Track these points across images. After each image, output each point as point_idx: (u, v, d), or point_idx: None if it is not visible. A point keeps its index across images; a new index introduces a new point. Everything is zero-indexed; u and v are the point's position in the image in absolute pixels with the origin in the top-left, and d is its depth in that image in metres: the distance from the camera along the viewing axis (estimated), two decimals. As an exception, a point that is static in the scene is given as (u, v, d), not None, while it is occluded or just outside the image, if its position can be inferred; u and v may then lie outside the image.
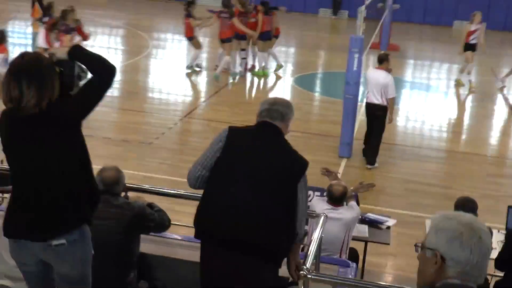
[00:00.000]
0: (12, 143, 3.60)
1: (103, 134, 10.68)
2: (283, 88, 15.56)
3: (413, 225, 8.25)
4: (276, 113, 4.05)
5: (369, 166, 10.32)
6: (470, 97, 15.78)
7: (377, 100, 9.98)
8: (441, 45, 23.70)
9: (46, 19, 13.89)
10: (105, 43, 20.15)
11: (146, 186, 5.36)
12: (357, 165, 10.50)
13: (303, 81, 16.01)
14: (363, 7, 10.71)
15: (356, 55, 10.31)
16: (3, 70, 11.14)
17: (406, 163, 10.80)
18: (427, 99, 15.58)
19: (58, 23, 12.95)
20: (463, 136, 12.75)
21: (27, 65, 3.51)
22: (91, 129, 10.85)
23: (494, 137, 13.02)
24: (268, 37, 15.45)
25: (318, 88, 16.12)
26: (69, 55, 3.65)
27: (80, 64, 3.68)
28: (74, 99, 3.61)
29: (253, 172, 3.89)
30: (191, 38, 15.62)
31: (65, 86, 3.62)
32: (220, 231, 3.87)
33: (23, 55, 3.60)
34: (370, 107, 10.22)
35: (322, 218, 4.45)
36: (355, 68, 10.35)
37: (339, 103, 13.78)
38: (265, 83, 15.53)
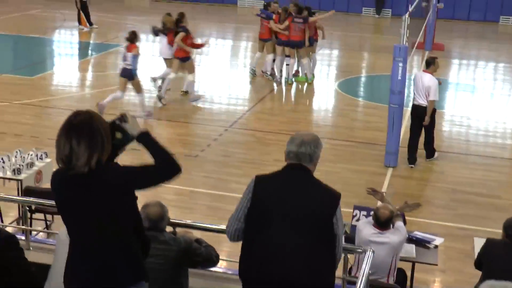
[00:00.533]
0: (65, 203, 3.64)
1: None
2: (327, 94, 15.52)
3: (461, 239, 8.18)
4: (304, 155, 4.03)
5: (430, 159, 10.89)
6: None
7: (423, 102, 10.41)
8: (487, 43, 23.31)
9: (180, 29, 14.00)
10: (148, 50, 20.33)
11: (190, 222, 5.37)
12: (403, 174, 10.41)
13: (347, 86, 15.93)
14: (407, 15, 10.58)
15: (400, 64, 10.23)
16: (133, 67, 12.16)
17: (452, 171, 10.66)
18: (473, 102, 15.34)
19: (176, 29, 13.68)
20: (507, 141, 12.48)
21: (79, 123, 3.53)
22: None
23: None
24: (311, 43, 15.44)
25: (362, 92, 16.02)
26: (137, 139, 3.68)
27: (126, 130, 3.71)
28: (131, 170, 3.60)
29: (288, 214, 3.93)
30: (268, 39, 15.54)
31: (114, 149, 3.67)
32: (265, 279, 3.90)
33: (76, 114, 3.60)
34: (417, 108, 10.53)
35: (369, 252, 4.43)
36: (399, 78, 10.27)
37: (384, 108, 13.70)
38: (309, 89, 15.48)
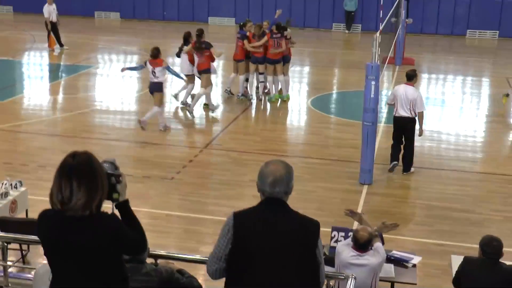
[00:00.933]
0: (57, 244, 3.61)
1: (124, 171, 10.72)
2: (300, 112, 15.60)
3: (439, 255, 8.25)
4: (279, 194, 3.94)
5: (406, 173, 11.15)
6: (486, 112, 15.73)
7: (406, 113, 10.88)
8: (454, 56, 23.66)
9: (185, 48, 14.74)
10: (119, 71, 20.24)
11: (175, 253, 5.34)
12: (378, 191, 10.49)
13: (320, 103, 16.04)
14: (378, 34, 10.72)
15: (373, 82, 10.34)
16: (163, 78, 13.07)
17: (427, 186, 10.78)
18: (443, 116, 15.53)
19: (197, 44, 14.23)
20: (483, 155, 12.66)
21: (78, 165, 3.53)
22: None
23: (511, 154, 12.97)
24: (286, 60, 15.60)
25: (335, 109, 16.13)
26: (116, 206, 3.73)
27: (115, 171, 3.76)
28: (123, 228, 3.67)
29: (271, 252, 3.87)
30: (241, 60, 15.57)
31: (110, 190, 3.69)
32: None
33: (74, 155, 3.59)
34: (400, 120, 11.02)
35: (350, 280, 4.45)
36: (372, 95, 10.38)
37: (356, 125, 13.83)
38: (282, 107, 15.56)
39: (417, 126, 11.19)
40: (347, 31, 28.63)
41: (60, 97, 16.82)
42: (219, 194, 10.15)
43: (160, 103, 13.20)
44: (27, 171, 10.75)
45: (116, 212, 3.77)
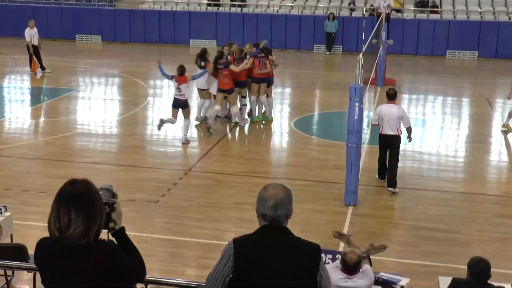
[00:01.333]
0: (54, 273, 3.57)
1: (109, 194, 10.68)
2: (283, 133, 15.64)
3: (426, 276, 8.26)
4: (281, 217, 3.89)
5: (391, 189, 11.31)
6: (467, 132, 15.88)
7: (392, 131, 11.20)
8: (435, 77, 23.90)
9: (202, 63, 15.02)
10: (102, 94, 20.25)
11: (163, 278, 5.31)
12: (364, 213, 10.51)
13: (303, 124, 16.10)
14: (360, 55, 10.81)
15: (357, 104, 10.40)
16: (187, 95, 13.94)
17: (411, 207, 10.81)
18: (424, 136, 15.65)
19: (218, 61, 14.69)
20: (465, 175, 12.74)
21: (77, 193, 3.50)
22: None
23: (495, 175, 13.05)
24: (269, 82, 15.67)
25: (317, 130, 16.19)
26: (113, 234, 3.72)
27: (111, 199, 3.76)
28: (122, 257, 3.65)
29: (272, 278, 3.79)
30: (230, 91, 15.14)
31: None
32: None
33: (72, 183, 3.56)
34: (386, 138, 11.32)
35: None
36: (356, 117, 10.43)
37: (339, 146, 13.92)
38: (265, 129, 15.59)
39: (402, 142, 11.66)
40: (328, 52, 28.85)
41: (42, 120, 16.73)
42: (204, 217, 10.12)
43: (188, 116, 14.09)
44: (11, 195, 10.65)
45: (113, 239, 3.75)
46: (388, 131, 11.20)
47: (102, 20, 30.89)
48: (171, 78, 13.90)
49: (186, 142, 13.99)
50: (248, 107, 15.85)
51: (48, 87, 20.60)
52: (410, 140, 11.76)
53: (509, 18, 28.76)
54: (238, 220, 9.99)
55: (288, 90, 21.15)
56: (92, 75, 22.86)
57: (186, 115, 14.02)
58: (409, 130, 11.45)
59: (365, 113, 16.37)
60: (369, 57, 17.05)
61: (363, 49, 12.71)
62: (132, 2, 32.46)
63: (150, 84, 21.25)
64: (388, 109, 11.22)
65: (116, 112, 17.38)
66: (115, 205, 3.73)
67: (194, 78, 14.35)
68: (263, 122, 15.80)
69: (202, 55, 15.22)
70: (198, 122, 15.49)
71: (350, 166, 10.60)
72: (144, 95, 19.46)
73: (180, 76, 13.72)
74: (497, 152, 14.47)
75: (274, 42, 27.55)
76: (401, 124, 11.25)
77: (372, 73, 18.81)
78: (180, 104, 13.89)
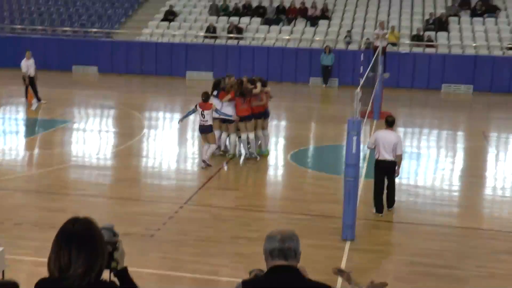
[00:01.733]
0: None
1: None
2: (279, 166, 15.56)
3: (424, 314, 8.14)
4: (289, 251, 3.83)
5: (390, 209, 11.87)
6: (461, 166, 15.85)
7: (389, 156, 11.54)
8: (430, 110, 23.99)
9: (215, 92, 15.19)
10: (97, 126, 20.20)
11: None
12: (361, 247, 10.39)
13: (299, 157, 16.05)
14: (358, 89, 10.81)
15: (355, 138, 10.35)
16: (211, 121, 14.33)
17: (409, 242, 10.70)
18: (419, 170, 15.61)
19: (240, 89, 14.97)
20: (462, 209, 12.66)
21: (79, 232, 3.40)
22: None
23: (492, 209, 12.97)
24: (266, 115, 15.61)
25: (314, 164, 16.12)
26: (116, 274, 3.62)
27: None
28: None
29: None
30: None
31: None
32: None
33: (74, 222, 3.46)
34: (383, 163, 11.63)
35: None
36: (354, 151, 10.38)
37: (336, 179, 13.90)
38: (261, 162, 15.51)
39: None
40: (324, 85, 28.94)
41: (37, 152, 16.63)
42: (200, 251, 9.98)
43: (214, 140, 14.56)
44: (3, 229, 10.50)
45: (115, 279, 3.65)
46: (386, 156, 11.52)
47: (99, 51, 31.00)
48: (194, 108, 14.42)
49: (206, 166, 14.41)
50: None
51: (43, 118, 20.56)
52: (397, 174, 11.81)
53: (503, 53, 28.95)
54: (234, 255, 9.87)
55: (284, 123, 21.14)
56: (87, 107, 22.84)
57: (212, 140, 14.48)
58: (399, 158, 11.64)
59: (361, 146, 16.34)
60: (366, 90, 17.09)
61: (361, 83, 12.70)
62: (129, 33, 32.59)
63: (145, 116, 21.22)
64: (385, 135, 11.60)
65: (112, 144, 17.32)
66: (117, 244, 3.64)
67: (184, 117, 15.13)
68: (258, 157, 15.58)
69: (217, 85, 15.31)
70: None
71: (348, 200, 10.50)
72: (140, 127, 19.41)
73: (205, 102, 14.23)
74: (492, 186, 14.41)
75: (271, 74, 27.66)
76: (396, 151, 11.57)
77: (369, 106, 18.87)
78: (205, 130, 14.41)
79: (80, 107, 22.79)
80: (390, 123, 11.80)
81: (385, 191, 11.86)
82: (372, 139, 11.86)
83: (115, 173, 14.48)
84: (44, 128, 19.16)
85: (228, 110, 14.95)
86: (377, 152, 11.58)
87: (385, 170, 11.65)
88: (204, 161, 14.48)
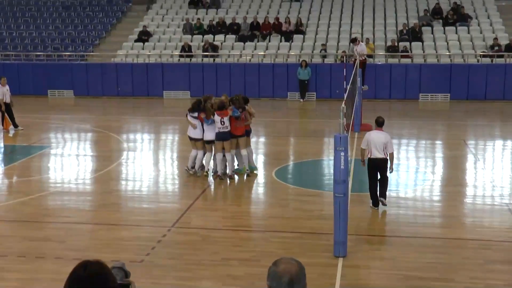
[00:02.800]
0: None
1: (90, 255, 10.31)
2: (265, 184, 15.38)
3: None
4: None
5: (381, 199, 12.71)
6: (443, 175, 15.82)
7: (381, 154, 12.49)
8: (409, 120, 24.05)
9: (195, 114, 15.12)
10: (76, 150, 19.89)
11: None
12: (354, 264, 10.25)
13: (284, 174, 15.94)
14: (343, 104, 10.71)
15: (342, 154, 10.24)
16: (229, 129, 14.83)
17: (403, 256, 10.58)
18: (409, 182, 15.56)
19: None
20: (452, 220, 12.56)
21: (90, 277, 3.24)
22: (76, 251, 10.55)
23: (481, 218, 12.89)
24: (247, 133, 15.51)
25: (299, 180, 15.96)
26: None
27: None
28: None
29: None
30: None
31: None
32: None
33: (84, 266, 3.29)
34: (375, 161, 12.55)
35: None
36: (342, 167, 10.26)
37: (323, 194, 13.83)
38: (247, 180, 15.36)
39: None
40: (301, 100, 28.92)
41: (16, 180, 16.28)
42: (192, 275, 9.78)
43: (229, 149, 14.90)
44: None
45: None
46: (377, 154, 12.43)
47: (74, 74, 30.72)
48: (213, 116, 14.65)
49: (226, 177, 15.01)
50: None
51: (21, 145, 20.19)
52: (391, 171, 12.67)
53: (478, 61, 29.18)
54: (227, 277, 9.68)
55: (266, 140, 20.99)
56: (65, 131, 22.53)
57: (228, 148, 14.87)
58: (391, 156, 12.53)
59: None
60: (346, 103, 17.01)
61: (345, 97, 12.67)
62: (104, 55, 32.35)
63: (124, 138, 20.97)
64: (377, 135, 12.55)
65: (92, 168, 17.03)
66: (130, 286, 3.46)
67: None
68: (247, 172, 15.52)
69: (198, 106, 15.12)
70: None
71: (338, 217, 10.36)
72: (119, 150, 19.16)
73: (221, 110, 14.60)
74: (480, 194, 14.36)
75: (248, 91, 27.59)
76: (388, 149, 12.49)
77: (351, 119, 18.82)
78: (224, 136, 14.76)
79: (57, 132, 22.45)
80: (380, 124, 12.81)
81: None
82: (364, 140, 12.71)
83: (98, 198, 14.20)
84: (22, 155, 18.79)
85: (210, 131, 14.82)
86: (369, 151, 12.49)
87: (377, 167, 12.54)
88: (232, 173, 15.06)
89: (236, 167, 15.60)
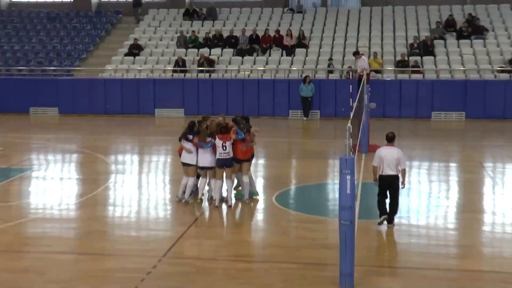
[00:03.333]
0: None
1: (74, 289, 10.22)
2: (264, 210, 15.26)
3: None
4: None
5: (390, 225, 13.13)
6: (462, 201, 15.72)
7: (393, 171, 12.88)
8: (420, 141, 23.99)
9: (190, 137, 14.94)
10: (59, 173, 19.81)
11: None
12: (362, 298, 10.15)
13: (285, 199, 15.85)
14: (349, 123, 10.63)
15: (348, 177, 10.14)
16: (232, 153, 14.67)
17: (414, 289, 10.49)
18: (422, 208, 15.45)
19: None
20: (468, 250, 12.44)
21: None
22: (58, 283, 10.43)
23: (501, 248, 12.77)
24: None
25: (301, 205, 15.84)
26: None
27: None
28: None
29: None
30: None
31: None
32: None
33: None
34: (387, 178, 12.92)
35: None
36: (348, 191, 10.15)
37: (326, 221, 13.76)
38: (245, 206, 15.25)
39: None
40: (305, 118, 28.90)
41: (-5, 205, 16.18)
42: (185, 310, 9.66)
43: (230, 175, 14.96)
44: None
45: None
46: (389, 171, 12.82)
47: (59, 90, 30.77)
48: (213, 140, 14.60)
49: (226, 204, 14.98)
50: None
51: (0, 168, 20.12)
52: (403, 186, 13.05)
53: (495, 76, 29.20)
54: (223, 312, 9.55)
55: (265, 162, 20.91)
56: (48, 152, 22.48)
57: (229, 175, 14.89)
58: (403, 172, 12.93)
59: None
60: (352, 122, 16.96)
61: (351, 116, 12.62)
62: (91, 70, 32.38)
63: (112, 160, 20.89)
64: (388, 151, 12.90)
65: (77, 193, 16.92)
66: None
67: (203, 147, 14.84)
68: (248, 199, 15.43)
69: (191, 128, 14.97)
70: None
71: (344, 246, 10.24)
72: (106, 172, 19.08)
73: (224, 133, 14.51)
74: (500, 222, 14.24)
75: (246, 109, 27.63)
76: (400, 165, 12.86)
77: (358, 139, 18.75)
78: (227, 163, 14.69)
79: (40, 153, 22.39)
80: (390, 139, 13.15)
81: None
82: (376, 157, 13.03)
83: (82, 226, 14.08)
84: (1, 178, 18.70)
85: (206, 156, 14.71)
86: (381, 168, 12.88)
87: (388, 184, 12.93)
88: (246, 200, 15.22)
89: (234, 192, 15.50)
